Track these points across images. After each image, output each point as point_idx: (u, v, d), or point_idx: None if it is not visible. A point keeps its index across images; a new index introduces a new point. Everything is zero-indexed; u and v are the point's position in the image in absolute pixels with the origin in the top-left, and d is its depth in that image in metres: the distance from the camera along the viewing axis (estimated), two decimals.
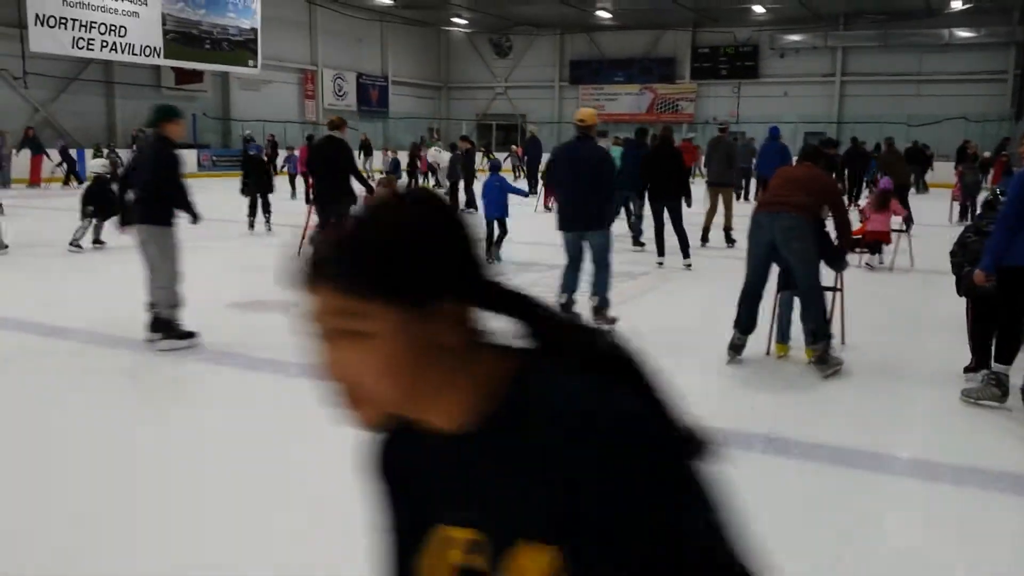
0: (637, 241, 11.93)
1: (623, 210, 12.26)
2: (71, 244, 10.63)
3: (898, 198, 10.91)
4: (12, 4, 23.21)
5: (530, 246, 11.04)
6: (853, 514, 3.67)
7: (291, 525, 3.44)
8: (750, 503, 3.51)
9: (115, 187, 8.99)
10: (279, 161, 22.97)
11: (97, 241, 10.93)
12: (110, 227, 9.51)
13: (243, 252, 11.40)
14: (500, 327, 0.93)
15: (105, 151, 22.26)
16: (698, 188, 12.20)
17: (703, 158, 23.64)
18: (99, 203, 10.65)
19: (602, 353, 0.90)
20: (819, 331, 5.67)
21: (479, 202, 11.15)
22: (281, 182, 18.19)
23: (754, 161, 18.24)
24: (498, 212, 10.57)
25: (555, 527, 0.84)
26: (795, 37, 34.84)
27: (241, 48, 29.34)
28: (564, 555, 0.84)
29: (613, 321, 6.81)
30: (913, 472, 4.18)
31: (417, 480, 0.99)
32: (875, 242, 10.04)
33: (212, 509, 3.60)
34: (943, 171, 22.25)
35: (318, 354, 0.86)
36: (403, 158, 26.78)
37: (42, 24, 22.90)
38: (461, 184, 16.79)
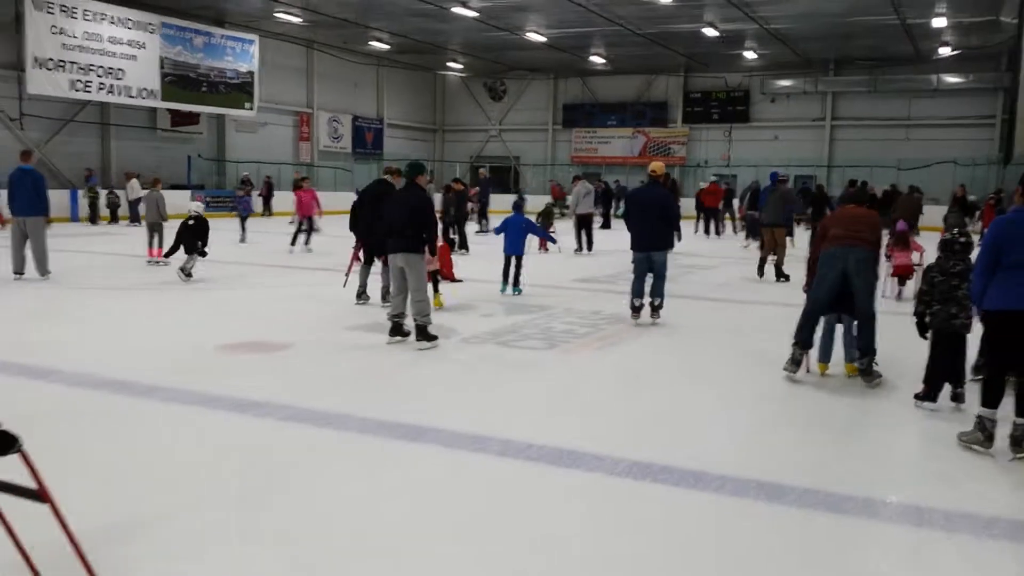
0: None
1: None
2: (184, 273, 12.01)
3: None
4: (11, 46, 23.44)
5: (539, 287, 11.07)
6: (844, 562, 3.63)
7: None
8: (736, 548, 3.47)
9: None
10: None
11: (188, 275, 12.10)
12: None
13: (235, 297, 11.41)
14: None
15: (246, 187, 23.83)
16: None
17: (736, 201, 24.29)
18: (202, 239, 12.26)
19: None
20: (868, 348, 6.59)
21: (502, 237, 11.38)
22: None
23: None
24: (517, 250, 11.10)
25: None
26: (786, 82, 35.27)
27: (238, 91, 29.59)
28: None
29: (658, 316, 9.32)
30: (903, 519, 4.14)
31: None
32: (902, 276, 11.42)
33: None
34: (934, 214, 22.38)
35: None
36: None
37: (40, 67, 23.10)
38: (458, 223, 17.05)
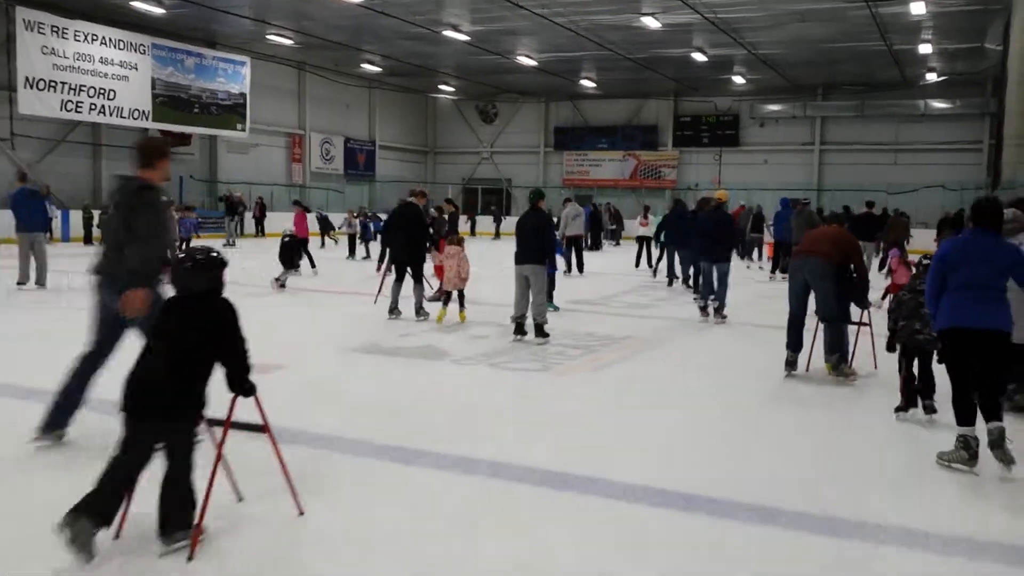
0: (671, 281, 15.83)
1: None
2: (279, 283, 13.91)
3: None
4: (2, 66, 23.43)
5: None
6: None
7: None
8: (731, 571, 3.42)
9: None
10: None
11: (283, 285, 13.93)
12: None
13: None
14: None
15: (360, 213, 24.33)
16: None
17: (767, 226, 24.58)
18: (298, 256, 14.88)
19: None
20: (834, 348, 7.52)
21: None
22: None
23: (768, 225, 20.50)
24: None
25: None
26: (775, 107, 35.59)
27: (230, 112, 29.66)
28: None
29: (724, 316, 11.12)
30: (901, 541, 4.11)
31: None
32: (896, 294, 11.55)
33: None
34: (923, 238, 22.57)
35: None
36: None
37: (31, 87, 23.10)
38: None
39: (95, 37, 24.82)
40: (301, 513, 4.04)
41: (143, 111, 26.52)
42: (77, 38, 24.27)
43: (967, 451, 5.04)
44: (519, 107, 40.75)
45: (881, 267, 18.12)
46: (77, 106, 24.34)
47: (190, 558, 3.53)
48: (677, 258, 15.80)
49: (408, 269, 10.68)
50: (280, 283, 13.98)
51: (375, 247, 18.98)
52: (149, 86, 26.58)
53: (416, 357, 8.34)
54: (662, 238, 17.07)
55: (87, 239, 24.26)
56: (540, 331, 9.16)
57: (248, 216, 29.36)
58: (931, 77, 30.78)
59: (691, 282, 14.58)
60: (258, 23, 26.97)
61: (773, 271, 18.23)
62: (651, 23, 24.36)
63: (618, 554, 3.82)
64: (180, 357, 3.63)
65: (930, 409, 6.19)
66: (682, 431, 5.97)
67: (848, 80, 32.82)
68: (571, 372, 7.86)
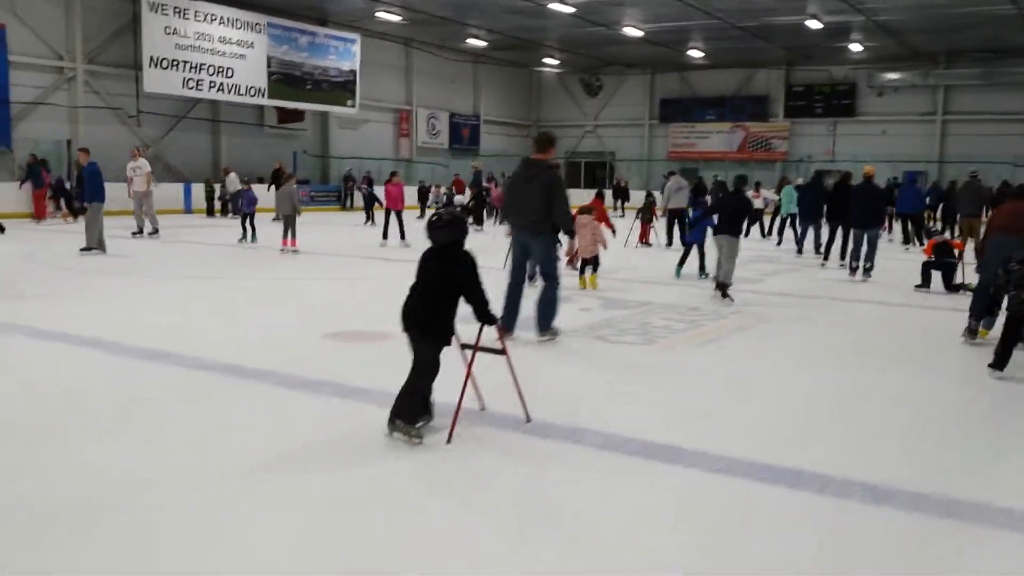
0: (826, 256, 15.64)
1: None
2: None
3: None
4: (128, 47, 24.66)
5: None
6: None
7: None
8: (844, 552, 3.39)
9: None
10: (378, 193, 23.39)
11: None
12: None
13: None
14: None
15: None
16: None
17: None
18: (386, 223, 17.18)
19: None
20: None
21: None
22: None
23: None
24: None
25: None
26: (894, 75, 34.03)
27: (340, 89, 30.39)
28: None
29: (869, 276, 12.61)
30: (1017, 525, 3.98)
31: None
32: None
33: None
34: None
35: None
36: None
37: (155, 66, 24.24)
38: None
39: (214, 17, 25.80)
40: (528, 420, 5.10)
41: (259, 88, 27.46)
42: (198, 18, 25.28)
43: None
44: (624, 79, 40.25)
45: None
46: (198, 84, 25.41)
47: (448, 440, 4.71)
48: (809, 230, 16.88)
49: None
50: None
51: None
52: (265, 64, 27.48)
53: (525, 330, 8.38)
54: (792, 208, 18.31)
55: (209, 211, 25.35)
56: (723, 289, 10.41)
57: (357, 192, 30.04)
58: None
59: (825, 251, 15.61)
60: (368, 0, 27.48)
61: (908, 242, 19.33)
62: None
63: (727, 530, 3.83)
64: (429, 293, 4.77)
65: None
66: (801, 409, 5.88)
67: (974, 46, 31.05)
68: (676, 346, 7.82)
